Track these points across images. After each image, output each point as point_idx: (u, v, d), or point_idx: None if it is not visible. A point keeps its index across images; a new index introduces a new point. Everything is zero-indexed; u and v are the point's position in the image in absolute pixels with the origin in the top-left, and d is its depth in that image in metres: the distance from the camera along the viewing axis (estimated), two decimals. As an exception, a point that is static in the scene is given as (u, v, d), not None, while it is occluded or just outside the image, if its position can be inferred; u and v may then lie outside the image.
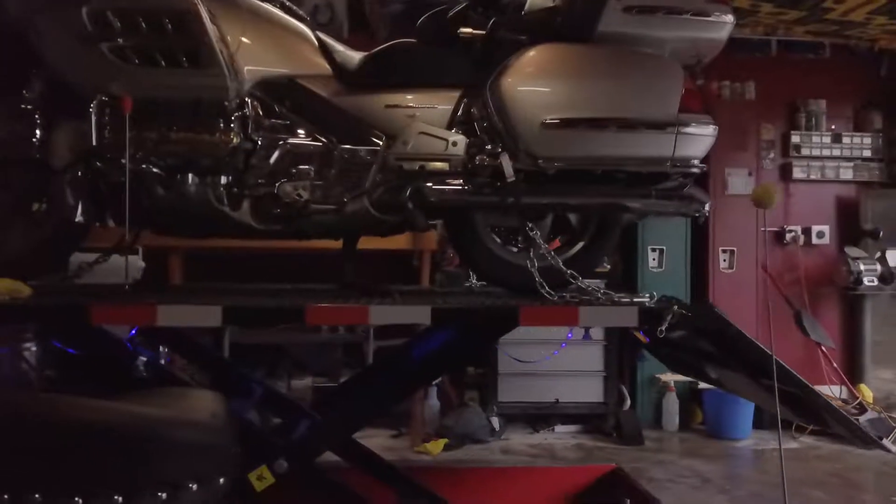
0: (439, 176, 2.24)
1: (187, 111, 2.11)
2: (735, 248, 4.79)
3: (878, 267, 4.70)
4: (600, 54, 2.21)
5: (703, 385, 4.35)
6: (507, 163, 2.14)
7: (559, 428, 4.35)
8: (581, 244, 2.46)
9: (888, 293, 4.80)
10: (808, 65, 5.01)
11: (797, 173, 5.02)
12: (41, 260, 2.28)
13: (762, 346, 1.95)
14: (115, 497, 1.24)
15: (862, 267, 4.68)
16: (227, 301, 1.82)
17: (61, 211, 2.21)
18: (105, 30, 1.99)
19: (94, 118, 2.05)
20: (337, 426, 2.21)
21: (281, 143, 2.23)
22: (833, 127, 5.06)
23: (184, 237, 2.38)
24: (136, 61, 2.07)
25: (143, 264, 3.39)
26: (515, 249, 2.44)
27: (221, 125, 2.13)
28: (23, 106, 2.17)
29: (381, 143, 2.27)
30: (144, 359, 2.12)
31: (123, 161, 2.04)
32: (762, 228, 4.46)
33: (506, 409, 4.23)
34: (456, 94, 2.31)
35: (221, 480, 1.34)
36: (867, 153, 5.11)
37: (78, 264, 2.43)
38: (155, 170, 2.11)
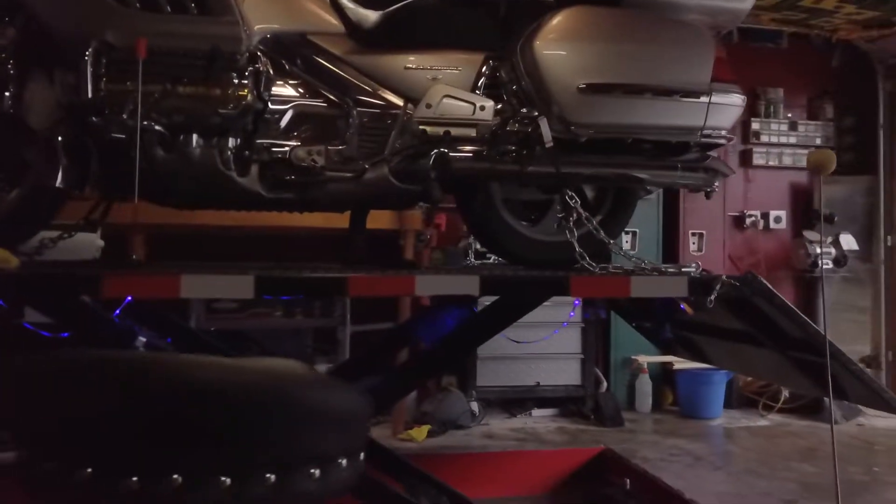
0: (465, 142, 2.12)
1: (196, 63, 1.90)
2: (704, 232, 4.88)
3: (833, 250, 4.88)
4: (635, 19, 2.14)
5: (677, 366, 4.40)
6: (545, 127, 2.03)
7: (536, 412, 4.30)
8: (599, 218, 2.39)
9: (840, 276, 4.99)
10: (768, 54, 5.14)
11: (757, 159, 5.16)
12: (9, 231, 2.02)
13: (805, 318, 1.93)
14: (268, 476, 1.06)
15: (818, 250, 4.84)
16: (261, 271, 1.63)
17: (38, 175, 1.96)
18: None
19: (89, 68, 1.81)
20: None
21: (294, 104, 2.06)
22: (789, 115, 5.22)
23: (183, 207, 2.15)
24: (139, 5, 1.86)
25: (101, 243, 3.09)
26: (525, 223, 2.36)
27: (234, 80, 1.93)
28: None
29: (399, 106, 2.13)
30: (144, 339, 1.90)
31: (124, 117, 1.82)
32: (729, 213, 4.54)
33: (484, 393, 4.15)
34: (480, 57, 2.18)
35: (362, 456, 1.19)
36: (819, 141, 5.30)
37: (39, 240, 2.17)
38: (157, 128, 1.89)
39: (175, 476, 1.03)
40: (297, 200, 2.13)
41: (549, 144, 2.03)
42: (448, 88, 2.12)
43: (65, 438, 1.09)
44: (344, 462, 1.17)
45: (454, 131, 2.11)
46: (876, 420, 4.37)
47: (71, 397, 1.08)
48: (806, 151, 5.26)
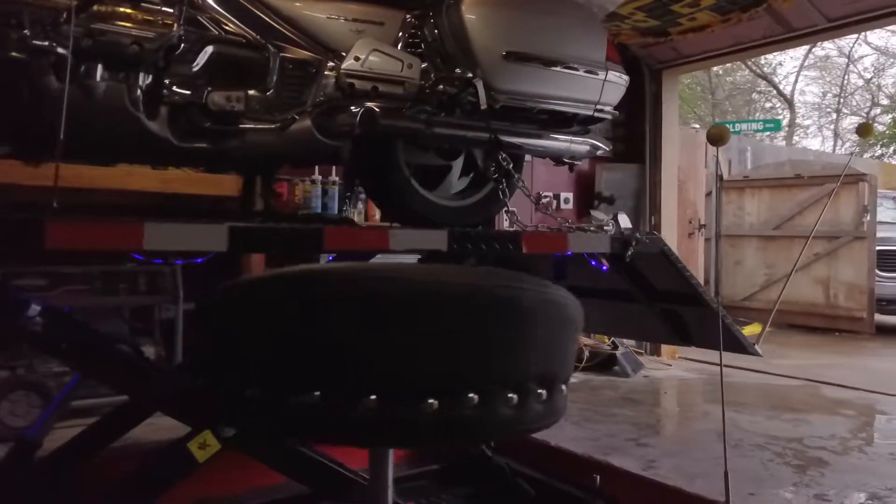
0: (391, 99, 2.07)
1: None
2: (515, 209, 5.26)
3: (612, 227, 5.57)
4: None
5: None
6: (482, 90, 2.07)
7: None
8: (486, 190, 2.50)
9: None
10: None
11: (550, 146, 5.69)
12: None
13: (692, 274, 2.24)
14: (539, 391, 1.03)
15: (605, 228, 5.50)
16: (233, 223, 1.44)
17: None
18: None
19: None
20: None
21: (210, 42, 1.84)
22: (577, 108, 5.84)
23: (72, 157, 1.79)
24: None
25: None
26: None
27: (158, 5, 1.67)
28: None
29: (321, 56, 2.01)
30: (39, 307, 1.57)
31: (24, 32, 1.48)
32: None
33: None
34: (402, 14, 2.15)
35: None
36: (598, 132, 6.00)
37: None
38: (60, 50, 1.56)
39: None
40: (211, 152, 1.90)
41: (484, 107, 2.08)
42: (376, 42, 2.06)
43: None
44: (564, 388, 1.13)
45: (381, 87, 2.06)
46: (655, 372, 5.15)
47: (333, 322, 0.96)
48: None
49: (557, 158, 2.53)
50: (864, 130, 4.16)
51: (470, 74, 2.08)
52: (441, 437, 1.11)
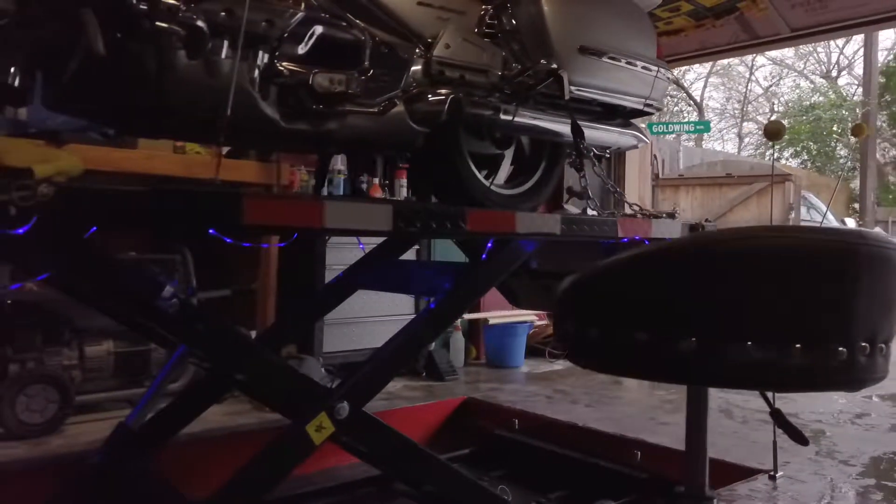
0: (475, 87, 2.11)
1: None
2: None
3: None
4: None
5: (492, 321, 4.80)
6: (567, 82, 2.13)
7: (373, 374, 4.27)
8: (536, 178, 2.58)
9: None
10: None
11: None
12: None
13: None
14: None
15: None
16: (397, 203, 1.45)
17: None
18: None
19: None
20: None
21: (319, 23, 1.82)
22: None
23: (183, 133, 1.73)
24: None
25: None
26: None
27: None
28: None
29: (413, 42, 2.03)
30: (171, 288, 1.53)
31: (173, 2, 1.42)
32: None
33: (329, 359, 4.00)
34: (479, 3, 2.19)
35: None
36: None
37: None
38: (200, 23, 1.51)
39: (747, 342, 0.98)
40: (312, 134, 1.88)
41: (568, 98, 2.15)
42: (464, 31, 2.09)
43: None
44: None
45: (467, 76, 2.09)
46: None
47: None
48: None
49: (602, 149, 2.63)
50: (858, 130, 4.52)
51: (555, 65, 2.15)
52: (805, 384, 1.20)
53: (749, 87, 24.57)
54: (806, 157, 23.13)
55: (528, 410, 3.26)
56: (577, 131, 2.20)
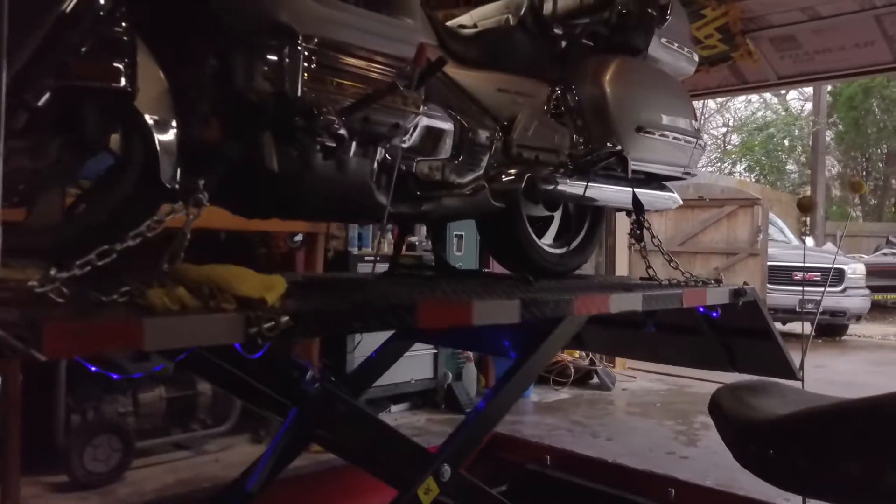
0: (547, 167, 2.29)
1: (387, 66, 1.72)
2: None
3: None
4: (659, 72, 2.58)
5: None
6: (631, 162, 2.33)
7: (394, 407, 4.40)
8: (581, 236, 2.78)
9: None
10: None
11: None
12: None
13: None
14: None
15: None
16: (524, 294, 1.62)
17: (148, 170, 1.52)
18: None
19: (296, 63, 1.51)
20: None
21: (421, 116, 1.98)
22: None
23: (313, 218, 1.86)
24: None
25: None
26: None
27: (406, 87, 1.80)
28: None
29: (493, 126, 2.20)
30: (312, 372, 1.67)
31: (333, 120, 1.56)
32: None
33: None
34: (547, 87, 2.38)
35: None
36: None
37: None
38: (341, 132, 1.65)
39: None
40: (411, 214, 2.04)
41: (630, 177, 2.35)
42: (539, 114, 2.28)
43: None
44: None
45: (541, 156, 2.28)
46: (627, 384, 5.62)
47: None
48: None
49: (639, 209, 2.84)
50: (857, 186, 4.84)
51: (619, 147, 2.35)
52: None
53: (704, 103, 25.45)
54: (758, 171, 24.08)
55: (556, 446, 3.45)
56: (638, 206, 2.40)
